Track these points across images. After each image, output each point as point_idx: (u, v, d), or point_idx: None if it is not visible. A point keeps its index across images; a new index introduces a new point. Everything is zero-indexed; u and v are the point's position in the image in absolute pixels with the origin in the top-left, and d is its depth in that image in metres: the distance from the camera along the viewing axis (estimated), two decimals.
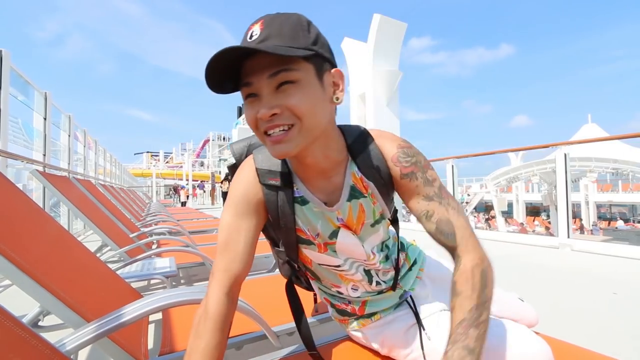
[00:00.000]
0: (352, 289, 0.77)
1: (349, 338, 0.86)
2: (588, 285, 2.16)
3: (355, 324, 0.79)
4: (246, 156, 0.73)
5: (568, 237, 3.41)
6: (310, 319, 1.07)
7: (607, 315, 1.65)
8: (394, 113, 6.98)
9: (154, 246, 2.67)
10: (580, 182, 20.62)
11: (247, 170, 0.67)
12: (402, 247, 0.83)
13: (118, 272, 1.53)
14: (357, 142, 0.65)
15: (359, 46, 7.40)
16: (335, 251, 0.71)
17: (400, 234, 0.81)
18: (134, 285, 1.44)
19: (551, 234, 12.23)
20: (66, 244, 1.18)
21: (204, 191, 20.47)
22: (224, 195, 9.55)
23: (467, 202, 22.52)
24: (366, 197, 0.67)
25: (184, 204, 17.45)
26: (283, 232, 0.69)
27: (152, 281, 2.20)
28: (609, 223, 21.26)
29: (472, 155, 4.69)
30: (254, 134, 0.59)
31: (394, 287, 0.78)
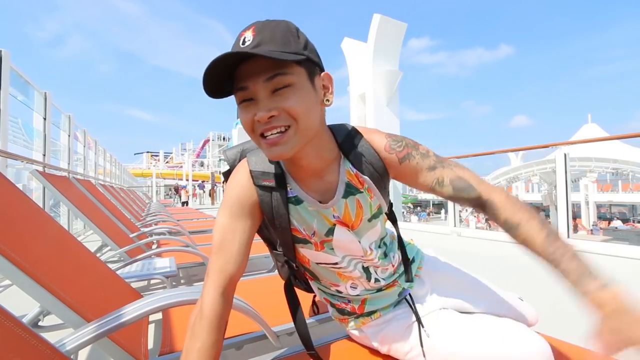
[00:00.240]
0: (351, 287, 0.77)
1: (349, 337, 0.86)
2: None
3: (355, 322, 0.80)
4: (239, 162, 0.74)
5: (568, 237, 3.41)
6: (309, 319, 1.07)
7: None
8: (394, 113, 6.98)
9: (154, 246, 2.67)
10: (580, 182, 20.63)
11: (241, 172, 0.68)
12: (399, 245, 0.83)
13: (118, 272, 1.53)
14: (348, 140, 0.68)
15: (359, 46, 7.40)
16: (332, 249, 0.71)
17: (399, 234, 0.82)
18: (134, 285, 1.44)
19: None
20: (66, 244, 1.18)
21: (204, 191, 20.48)
22: None
23: None
24: (362, 192, 0.68)
25: (185, 203, 17.49)
26: (279, 232, 0.70)
27: (152, 281, 2.20)
28: (609, 223, 21.24)
29: (472, 155, 4.69)
30: (247, 139, 0.60)
31: (408, 279, 0.80)
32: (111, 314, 0.73)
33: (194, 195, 19.76)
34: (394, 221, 0.83)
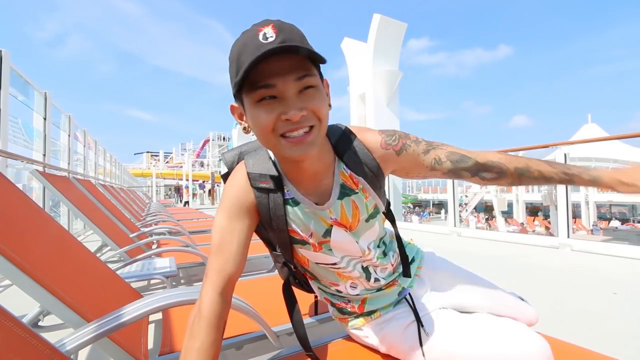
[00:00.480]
0: (350, 286, 0.77)
1: (349, 337, 0.86)
2: (588, 285, 2.16)
3: (355, 322, 0.80)
4: (237, 164, 0.74)
5: (568, 237, 3.41)
6: (309, 319, 1.07)
7: (607, 315, 1.65)
8: (394, 113, 6.98)
9: (154, 246, 2.67)
10: None
11: (239, 174, 0.68)
12: (399, 244, 0.83)
13: (118, 272, 1.53)
14: (341, 141, 0.68)
15: (359, 46, 7.39)
16: (330, 249, 0.71)
17: (398, 232, 0.82)
18: (134, 285, 1.44)
19: (551, 234, 12.24)
20: (66, 244, 1.18)
21: (204, 191, 20.51)
22: None
23: (465, 204, 22.52)
24: (357, 192, 0.69)
25: (187, 203, 17.54)
26: (276, 233, 0.70)
27: (152, 281, 2.20)
28: (609, 223, 21.25)
29: None
30: (246, 140, 0.60)
31: (406, 274, 0.80)
32: (111, 314, 0.73)
33: (194, 195, 19.79)
34: (392, 220, 0.84)
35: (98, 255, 1.96)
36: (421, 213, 30.30)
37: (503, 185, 0.75)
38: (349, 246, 0.72)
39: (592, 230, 17.97)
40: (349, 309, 0.79)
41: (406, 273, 0.81)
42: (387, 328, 0.77)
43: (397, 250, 0.82)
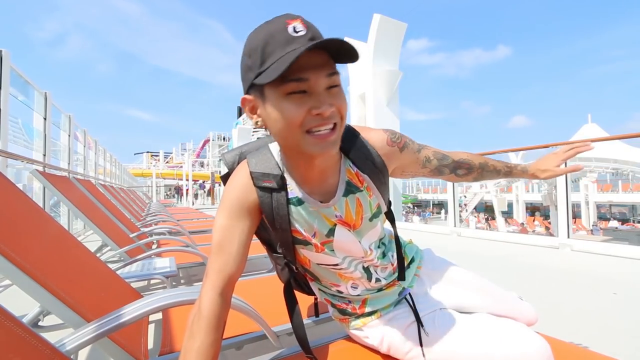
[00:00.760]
0: (351, 287, 0.77)
1: (349, 338, 0.86)
2: (588, 286, 2.16)
3: (355, 322, 0.80)
4: (238, 164, 0.74)
5: (568, 237, 3.41)
6: (309, 319, 1.07)
7: (607, 316, 1.65)
8: (394, 113, 6.97)
9: (154, 246, 2.67)
10: (580, 182, 20.63)
11: (241, 174, 0.68)
12: (397, 246, 0.83)
13: (118, 272, 1.53)
14: (347, 138, 0.68)
15: (359, 46, 7.39)
16: (332, 250, 0.71)
17: (397, 233, 0.83)
18: (134, 285, 1.44)
19: (551, 234, 12.23)
20: (66, 244, 1.18)
21: (204, 191, 20.56)
22: None
23: (465, 204, 22.51)
24: (362, 190, 0.69)
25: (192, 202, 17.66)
26: (279, 233, 0.69)
27: (152, 281, 2.20)
28: (608, 223, 21.26)
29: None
30: (246, 140, 0.60)
31: (400, 277, 0.80)
32: (111, 314, 0.73)
33: (196, 196, 19.86)
34: (392, 221, 0.84)
35: (98, 255, 1.96)
36: (422, 213, 30.29)
37: (469, 180, 0.87)
38: (352, 246, 0.72)
39: (592, 231, 17.98)
40: (350, 310, 0.79)
41: (401, 276, 0.80)
42: (387, 328, 0.76)
43: (396, 252, 0.82)
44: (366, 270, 0.75)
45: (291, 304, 0.78)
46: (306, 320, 1.05)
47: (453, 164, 0.81)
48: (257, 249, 1.59)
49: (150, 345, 1.31)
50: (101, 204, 2.71)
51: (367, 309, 0.78)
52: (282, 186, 0.66)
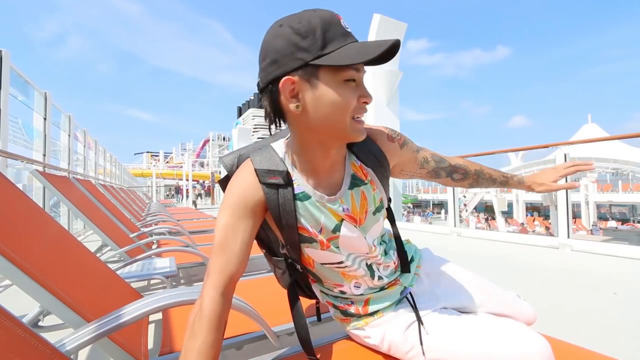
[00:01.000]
0: (354, 286, 0.77)
1: (349, 338, 0.86)
2: (588, 286, 2.16)
3: (357, 322, 0.80)
4: (237, 167, 0.73)
5: (568, 237, 3.41)
6: (309, 319, 1.07)
7: (607, 316, 1.65)
8: (394, 113, 6.97)
9: (154, 246, 2.67)
10: (580, 182, 20.63)
11: (245, 172, 0.67)
12: (398, 243, 0.84)
13: (118, 272, 1.53)
14: None
15: None
16: (337, 247, 0.71)
17: (397, 230, 0.84)
18: (134, 285, 1.44)
19: (551, 234, 12.24)
20: (66, 244, 1.18)
21: (196, 190, 20.64)
22: None
23: (465, 204, 22.52)
24: (366, 183, 0.72)
25: (194, 203, 17.74)
26: (285, 230, 0.69)
27: (152, 281, 2.20)
28: (607, 223, 21.28)
29: (473, 155, 4.69)
30: (246, 140, 0.61)
31: (404, 270, 0.81)
32: (111, 314, 0.73)
33: (199, 196, 19.96)
34: (392, 220, 0.84)
35: (98, 255, 1.96)
36: (423, 213, 30.30)
37: (464, 186, 0.90)
38: (357, 242, 0.72)
39: (591, 231, 17.98)
40: (353, 311, 0.79)
41: (404, 268, 0.81)
42: (388, 328, 0.76)
43: (396, 248, 0.83)
44: (369, 267, 0.76)
45: (294, 306, 0.77)
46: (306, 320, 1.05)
47: (450, 167, 0.84)
48: (258, 249, 1.59)
49: (150, 345, 1.31)
50: (101, 204, 2.71)
51: (370, 310, 0.78)
52: (289, 182, 0.66)
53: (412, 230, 5.25)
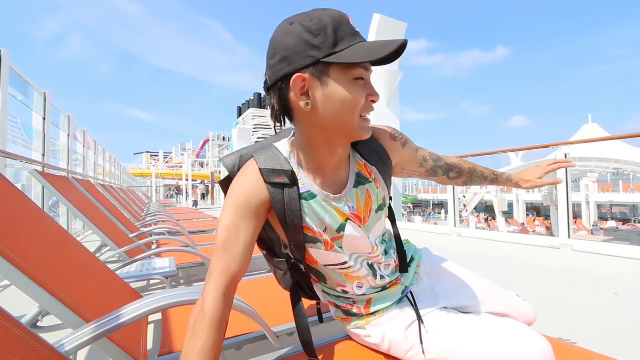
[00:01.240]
0: (357, 287, 0.77)
1: (349, 337, 0.86)
2: (589, 286, 2.16)
3: (358, 321, 0.80)
4: (238, 168, 0.73)
5: (569, 237, 3.41)
6: (310, 320, 1.07)
7: (608, 316, 1.65)
8: (394, 113, 6.97)
9: (153, 246, 2.67)
10: (580, 182, 20.69)
11: (250, 171, 0.67)
12: (398, 242, 0.84)
13: (117, 272, 1.53)
14: None
15: None
16: (341, 247, 0.71)
17: (397, 230, 0.84)
18: (134, 285, 1.44)
19: (552, 234, 12.24)
20: (65, 244, 1.18)
21: (199, 190, 20.68)
22: None
23: (464, 205, 22.55)
24: (371, 181, 0.73)
25: (195, 203, 17.78)
26: (290, 230, 0.68)
27: (152, 281, 2.20)
28: (606, 223, 21.31)
29: (473, 155, 4.69)
30: (246, 141, 0.61)
31: (403, 269, 0.81)
32: (110, 315, 0.72)
33: (193, 192, 19.99)
34: (392, 220, 0.84)
35: (97, 255, 1.95)
36: (424, 213, 30.33)
37: (459, 184, 0.94)
38: (361, 242, 0.72)
39: (592, 231, 18.00)
40: (355, 311, 0.79)
41: (403, 268, 0.81)
42: (389, 327, 0.76)
43: (396, 248, 0.83)
44: (371, 267, 0.76)
45: (296, 307, 0.77)
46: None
47: (446, 166, 0.87)
48: (258, 249, 1.59)
49: (149, 345, 1.31)
50: (100, 204, 2.71)
51: (372, 309, 0.78)
52: (294, 181, 0.66)
53: (412, 231, 5.25)
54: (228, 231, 0.63)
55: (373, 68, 0.62)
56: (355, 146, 0.73)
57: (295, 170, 0.67)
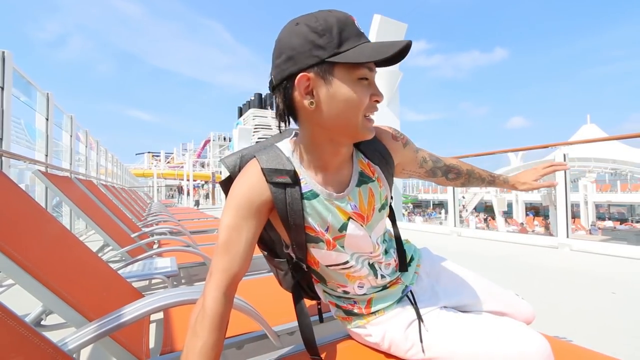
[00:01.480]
0: (358, 286, 0.77)
1: (349, 337, 0.87)
2: (587, 285, 2.17)
3: (358, 321, 0.80)
4: (239, 168, 0.73)
5: (567, 237, 3.42)
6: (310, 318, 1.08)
7: (606, 315, 1.65)
8: (394, 113, 6.97)
9: (155, 246, 2.67)
10: (579, 182, 20.68)
11: (251, 171, 0.67)
12: (398, 242, 0.84)
13: (119, 271, 1.54)
14: None
15: None
16: (343, 246, 0.71)
17: (397, 230, 0.85)
18: (135, 284, 1.45)
19: (550, 234, 12.23)
20: (68, 244, 1.19)
21: (203, 190, 20.70)
22: None
23: (463, 206, 22.53)
24: (374, 180, 0.73)
25: (197, 202, 17.83)
26: (292, 230, 0.68)
27: (153, 281, 2.21)
28: (604, 223, 21.30)
29: (473, 155, 4.69)
30: (247, 140, 0.61)
31: (402, 269, 0.82)
32: (113, 314, 0.73)
33: (194, 193, 20.03)
34: (393, 220, 0.85)
35: (100, 254, 1.97)
36: (424, 213, 30.29)
37: (457, 185, 0.94)
38: (363, 241, 0.72)
39: (590, 230, 17.98)
40: (356, 310, 0.79)
41: (403, 268, 0.82)
42: (389, 326, 0.77)
43: (396, 247, 0.83)
44: (372, 267, 0.76)
45: (299, 305, 0.77)
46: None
47: (445, 167, 0.88)
48: (258, 249, 1.59)
49: (151, 344, 1.32)
50: (103, 204, 2.72)
51: (373, 309, 0.78)
52: (296, 181, 0.66)
53: (413, 230, 5.25)
54: (229, 231, 0.63)
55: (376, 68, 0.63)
56: (358, 145, 0.73)
57: (298, 169, 0.68)
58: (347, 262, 0.73)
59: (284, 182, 0.65)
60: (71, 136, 5.12)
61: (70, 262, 1.07)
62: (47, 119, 4.05)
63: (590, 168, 20.31)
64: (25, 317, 1.04)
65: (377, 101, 0.62)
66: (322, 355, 0.78)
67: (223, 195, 0.79)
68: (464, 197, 23.08)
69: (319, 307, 0.94)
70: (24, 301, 1.14)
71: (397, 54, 0.56)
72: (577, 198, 20.32)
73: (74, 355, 0.66)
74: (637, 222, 22.90)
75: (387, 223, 0.84)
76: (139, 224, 3.63)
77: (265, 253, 0.89)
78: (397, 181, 7.11)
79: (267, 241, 0.85)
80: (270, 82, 0.65)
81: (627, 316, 1.63)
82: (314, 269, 0.78)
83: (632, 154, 20.70)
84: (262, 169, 0.66)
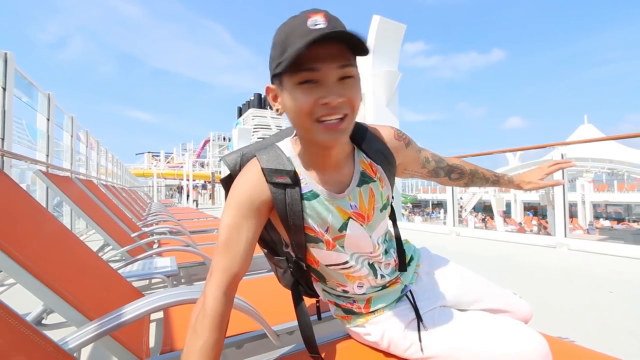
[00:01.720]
0: (357, 286, 0.77)
1: (348, 336, 0.87)
2: (585, 284, 2.18)
3: (357, 320, 0.80)
4: (240, 167, 0.73)
5: (565, 236, 3.42)
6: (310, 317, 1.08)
7: (604, 314, 1.66)
8: (393, 113, 6.97)
9: (155, 245, 2.67)
10: (576, 182, 20.71)
11: (252, 171, 0.67)
12: (398, 241, 0.84)
13: (120, 271, 1.54)
14: (358, 132, 0.73)
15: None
16: (342, 246, 0.71)
17: (397, 230, 0.85)
18: (135, 284, 1.45)
19: (548, 233, 12.23)
20: (69, 244, 1.19)
21: (207, 191, 20.70)
22: None
23: (461, 206, 22.52)
24: (375, 180, 0.73)
25: (195, 202, 17.93)
26: (292, 230, 0.68)
27: (153, 280, 2.22)
28: (600, 222, 21.36)
29: (471, 155, 4.70)
30: (247, 140, 0.61)
31: (402, 269, 0.82)
32: (113, 313, 0.73)
33: (194, 191, 20.06)
34: (393, 220, 0.85)
35: (100, 254, 1.97)
36: (423, 213, 30.27)
37: (460, 185, 0.94)
38: (363, 241, 0.72)
39: (588, 230, 18.00)
40: (355, 310, 0.80)
41: (402, 268, 0.82)
42: (388, 325, 0.77)
43: (395, 247, 0.83)
44: (371, 266, 0.76)
45: (298, 305, 0.77)
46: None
47: (448, 167, 0.87)
48: (259, 249, 1.60)
49: (151, 343, 1.32)
50: (103, 203, 2.72)
51: (372, 308, 0.78)
52: (296, 181, 0.66)
53: (412, 230, 5.26)
54: (229, 230, 0.63)
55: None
56: (360, 145, 0.73)
57: (298, 169, 0.68)
58: (346, 262, 0.73)
59: (283, 182, 0.65)
60: (72, 136, 5.12)
61: (70, 262, 1.08)
62: (48, 120, 4.05)
63: (587, 168, 20.32)
64: (26, 316, 1.04)
65: (325, 104, 0.55)
66: (322, 354, 0.78)
67: (223, 195, 0.80)
68: (461, 198, 23.08)
69: (318, 305, 0.94)
70: (25, 300, 1.14)
71: (322, 38, 0.51)
72: (575, 198, 20.34)
73: (74, 354, 0.66)
74: (634, 221, 22.96)
75: (388, 223, 0.85)
76: (139, 224, 3.64)
77: (265, 251, 0.89)
78: (396, 181, 7.11)
79: (267, 240, 0.86)
80: None
81: (624, 315, 1.64)
82: (314, 268, 0.78)
83: (629, 154, 20.74)
84: (262, 168, 0.66)
